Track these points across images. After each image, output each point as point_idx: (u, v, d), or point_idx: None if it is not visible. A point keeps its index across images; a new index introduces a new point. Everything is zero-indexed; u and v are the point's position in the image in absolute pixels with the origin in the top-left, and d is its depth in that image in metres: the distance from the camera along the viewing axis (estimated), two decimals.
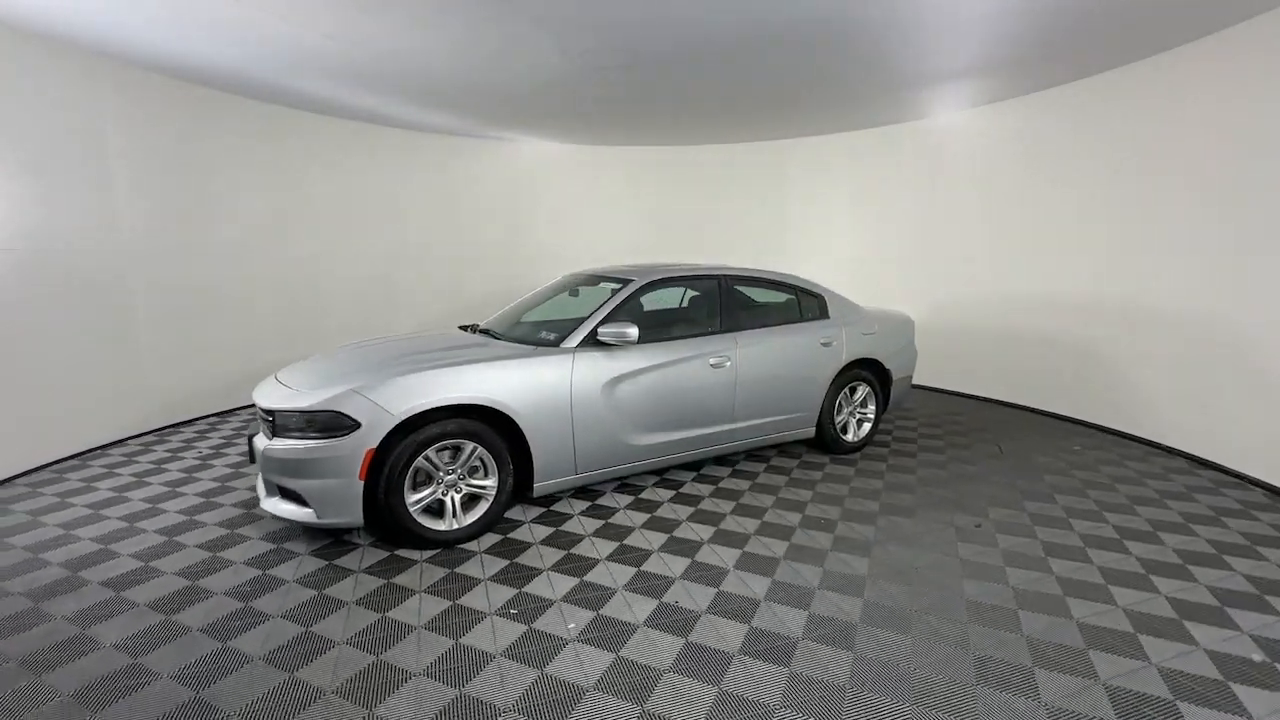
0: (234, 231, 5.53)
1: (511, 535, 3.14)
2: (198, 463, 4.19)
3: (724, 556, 2.91)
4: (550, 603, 2.53)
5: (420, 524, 2.91)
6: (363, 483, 2.75)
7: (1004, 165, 5.68)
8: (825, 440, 4.34)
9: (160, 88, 4.88)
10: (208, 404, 5.49)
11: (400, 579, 2.71)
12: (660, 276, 3.84)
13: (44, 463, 4.15)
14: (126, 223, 4.70)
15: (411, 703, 1.96)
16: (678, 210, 7.91)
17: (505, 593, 2.60)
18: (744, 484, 3.82)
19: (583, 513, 3.41)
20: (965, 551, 2.95)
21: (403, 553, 2.94)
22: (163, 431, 4.97)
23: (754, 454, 4.37)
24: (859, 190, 7.01)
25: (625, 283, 3.72)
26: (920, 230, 6.49)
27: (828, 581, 2.68)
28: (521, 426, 3.08)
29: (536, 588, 2.64)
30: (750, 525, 3.25)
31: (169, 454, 4.38)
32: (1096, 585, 2.64)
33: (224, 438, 4.79)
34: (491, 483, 3.08)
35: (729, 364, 3.79)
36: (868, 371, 4.47)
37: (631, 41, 4.11)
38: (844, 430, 4.43)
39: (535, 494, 3.25)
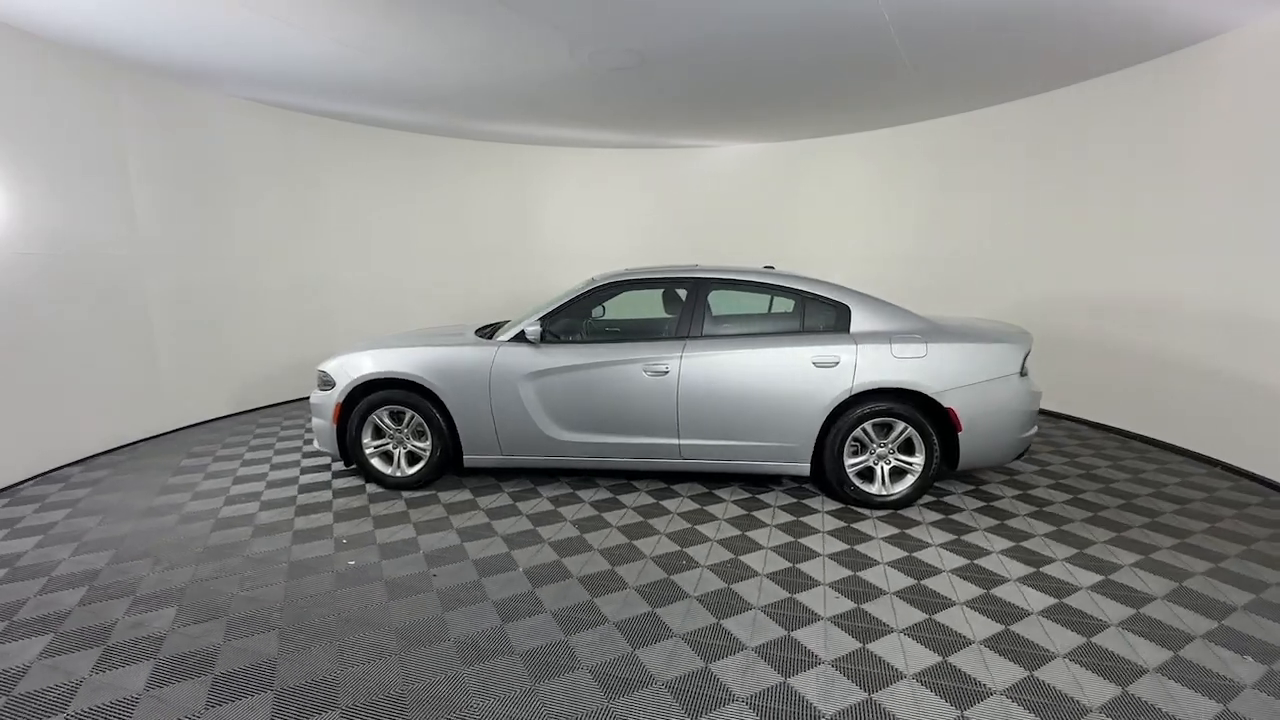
0: (249, 234, 5.61)
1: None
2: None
3: None
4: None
5: (375, 467, 3.78)
6: (334, 426, 3.76)
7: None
8: (831, 487, 3.49)
9: (176, 92, 4.94)
10: (223, 406, 5.56)
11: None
12: (622, 279, 3.78)
13: (55, 465, 4.17)
14: (142, 226, 4.72)
15: None
16: (697, 212, 7.88)
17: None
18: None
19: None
20: None
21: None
22: (176, 434, 5.02)
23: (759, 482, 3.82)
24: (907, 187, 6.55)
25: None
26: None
27: None
28: (445, 402, 3.63)
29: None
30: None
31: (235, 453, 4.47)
32: None
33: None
34: (425, 445, 3.73)
35: (670, 374, 3.49)
36: (907, 406, 3.36)
37: (640, 42, 4.09)
38: (867, 477, 3.46)
39: (465, 465, 3.75)
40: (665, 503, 3.57)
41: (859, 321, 3.51)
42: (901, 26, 3.87)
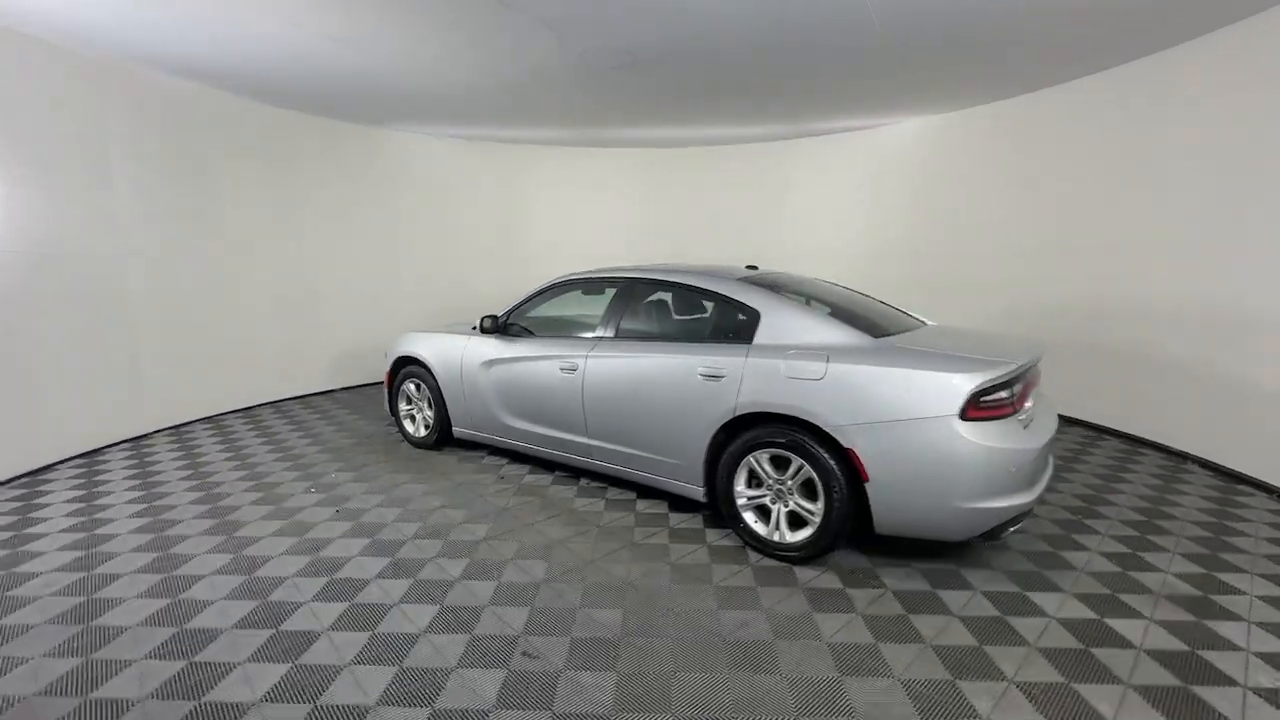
0: (235, 232, 5.47)
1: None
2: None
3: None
4: None
5: (404, 426, 4.68)
6: (386, 389, 4.78)
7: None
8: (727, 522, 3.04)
9: (162, 88, 4.80)
10: (205, 407, 5.40)
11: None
12: (572, 278, 3.87)
13: (46, 463, 4.12)
14: (127, 223, 4.61)
15: None
16: (678, 210, 7.90)
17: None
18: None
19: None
20: None
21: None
22: (161, 434, 4.90)
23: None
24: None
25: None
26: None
27: None
28: (436, 378, 4.30)
29: None
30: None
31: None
32: None
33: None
34: (432, 414, 4.47)
35: (577, 373, 3.48)
36: (805, 439, 2.71)
37: (631, 40, 4.00)
38: (764, 515, 2.91)
39: (455, 435, 4.36)
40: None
41: (765, 330, 2.95)
42: (887, 22, 3.71)
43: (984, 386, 2.42)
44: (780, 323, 2.94)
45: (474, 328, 4.28)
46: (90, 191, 4.39)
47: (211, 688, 2.03)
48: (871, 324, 3.09)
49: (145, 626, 2.37)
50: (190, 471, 4.08)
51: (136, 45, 4.17)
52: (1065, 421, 5.07)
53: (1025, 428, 2.61)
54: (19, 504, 3.55)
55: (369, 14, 3.65)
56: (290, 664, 2.15)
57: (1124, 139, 4.58)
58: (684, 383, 3.05)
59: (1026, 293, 5.42)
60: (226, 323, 5.48)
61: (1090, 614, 2.42)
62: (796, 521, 2.83)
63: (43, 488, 3.79)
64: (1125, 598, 2.54)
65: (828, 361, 2.67)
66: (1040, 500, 2.79)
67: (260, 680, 2.07)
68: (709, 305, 3.33)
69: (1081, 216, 4.95)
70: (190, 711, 1.93)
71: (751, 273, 3.55)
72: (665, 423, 3.15)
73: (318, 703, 1.96)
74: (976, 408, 2.42)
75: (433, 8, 3.56)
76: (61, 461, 4.24)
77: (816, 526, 2.72)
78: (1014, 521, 2.56)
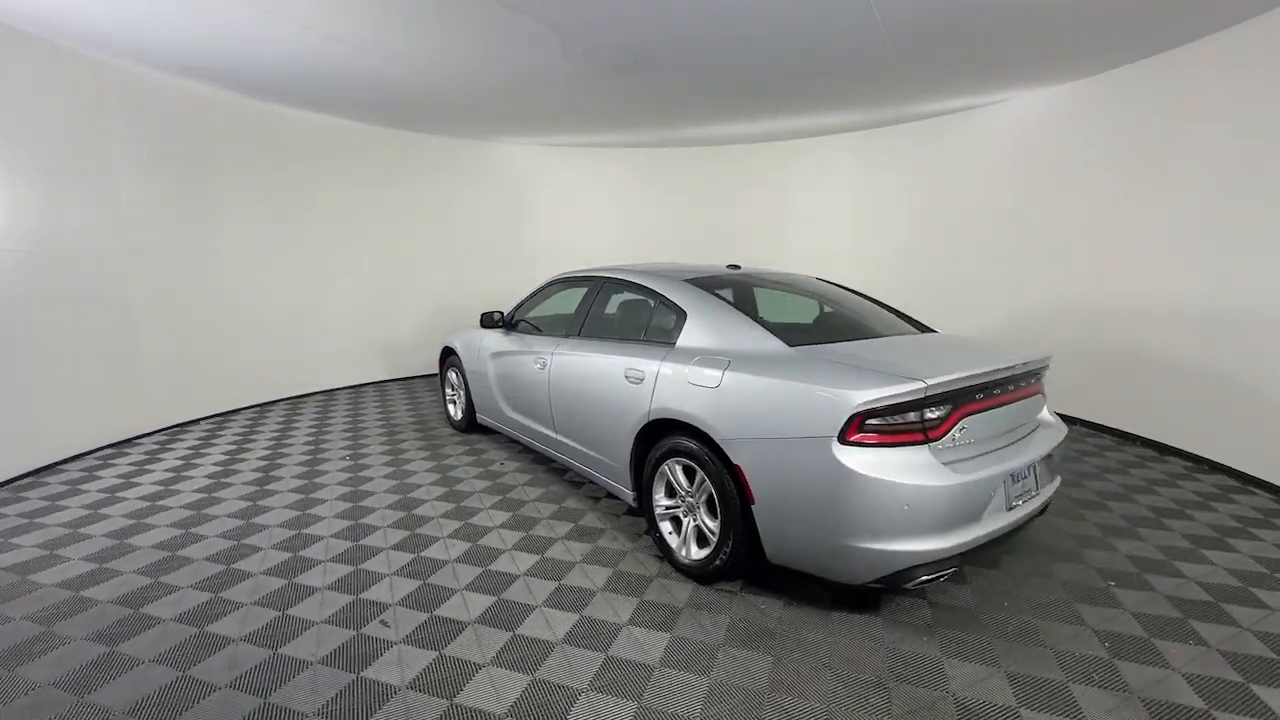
0: (236, 232, 5.48)
1: None
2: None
3: None
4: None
5: (448, 409, 5.16)
6: (439, 375, 5.33)
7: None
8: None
9: (164, 88, 4.81)
10: (206, 406, 5.41)
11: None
12: (565, 277, 3.99)
13: (44, 464, 4.10)
14: (129, 223, 4.62)
15: None
16: (679, 211, 7.86)
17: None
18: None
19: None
20: None
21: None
22: (163, 433, 4.93)
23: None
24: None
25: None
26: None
27: None
28: (464, 368, 4.69)
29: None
30: None
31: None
32: None
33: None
34: (464, 399, 4.89)
35: (545, 368, 3.60)
36: (706, 450, 2.54)
37: (633, 39, 3.97)
38: (677, 525, 2.79)
39: (478, 422, 4.72)
40: None
41: (688, 333, 2.82)
42: (890, 21, 3.64)
43: (871, 406, 2.08)
44: (701, 325, 2.79)
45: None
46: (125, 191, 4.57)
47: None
48: (835, 329, 2.87)
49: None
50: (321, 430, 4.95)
51: (138, 45, 4.14)
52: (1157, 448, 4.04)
53: (977, 456, 2.21)
54: (186, 450, 4.62)
55: (368, 17, 3.66)
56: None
57: (1133, 139, 4.46)
58: (615, 384, 3.03)
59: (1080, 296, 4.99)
60: (227, 318, 5.50)
61: None
62: (703, 538, 2.67)
63: (212, 436, 4.88)
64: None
65: (725, 369, 2.48)
66: (968, 551, 2.17)
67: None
68: (652, 305, 3.25)
69: (1094, 217, 4.80)
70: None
71: (705, 271, 3.37)
72: (600, 422, 3.16)
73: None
74: (862, 430, 2.09)
75: (435, 9, 3.58)
76: (203, 418, 5.40)
77: (713, 546, 2.55)
78: (930, 571, 2.16)
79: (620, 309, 3.65)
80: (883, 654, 2.18)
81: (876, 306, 3.38)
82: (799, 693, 1.99)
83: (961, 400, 2.21)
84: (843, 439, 2.09)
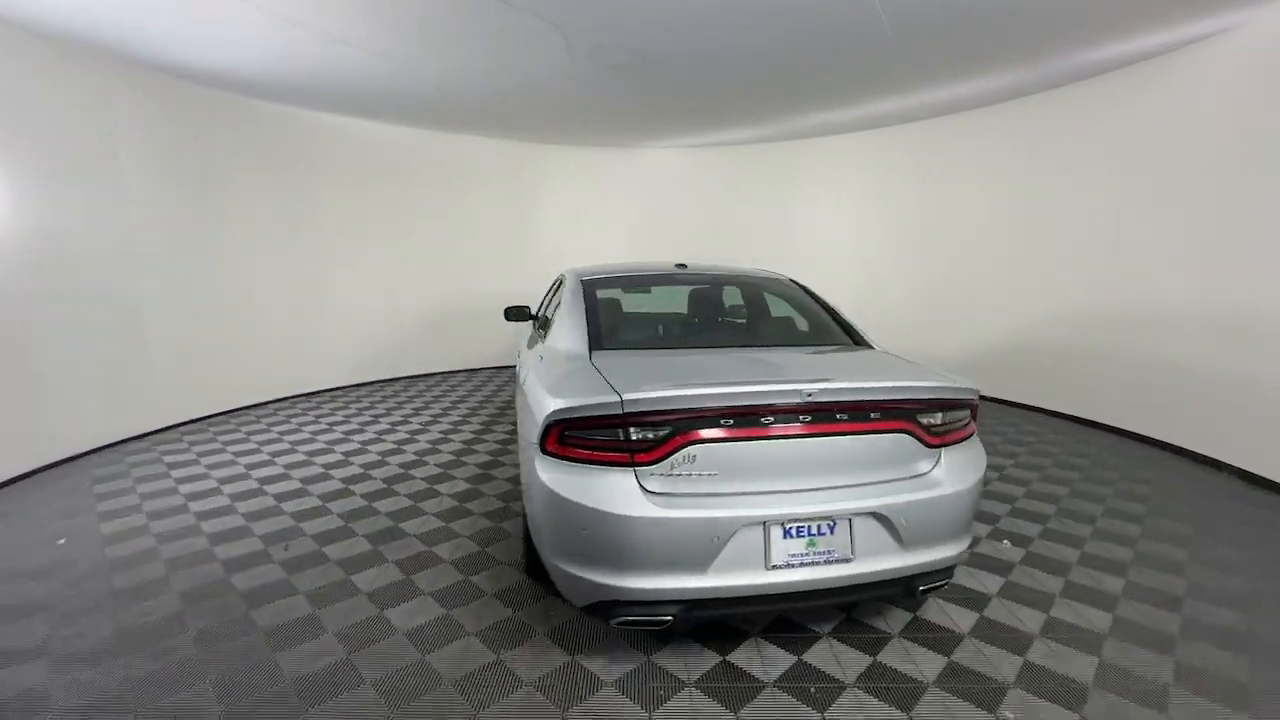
0: (244, 233, 5.43)
1: None
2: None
3: None
4: None
5: None
6: None
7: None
8: None
9: (173, 90, 4.79)
10: (212, 404, 5.35)
11: None
12: (559, 277, 4.10)
13: (48, 462, 4.03)
14: (138, 224, 4.59)
15: None
16: (690, 211, 7.78)
17: None
18: None
19: None
20: None
21: None
22: (169, 431, 4.86)
23: None
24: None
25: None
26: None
27: None
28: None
29: None
30: None
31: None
32: None
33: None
34: None
35: (524, 365, 3.79)
36: None
37: (639, 40, 3.93)
38: None
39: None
40: None
41: (551, 334, 2.87)
42: (895, 20, 3.63)
43: (562, 417, 1.89)
44: (555, 326, 2.84)
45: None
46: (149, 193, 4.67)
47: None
48: (701, 336, 2.94)
49: None
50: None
51: (141, 45, 4.13)
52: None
53: (720, 495, 1.88)
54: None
55: (378, 19, 3.67)
56: None
57: (1136, 140, 4.48)
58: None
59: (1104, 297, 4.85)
60: (234, 318, 5.47)
61: None
62: None
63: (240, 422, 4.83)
64: None
65: (524, 374, 2.58)
66: (692, 603, 1.85)
67: None
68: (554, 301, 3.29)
69: (1098, 218, 4.80)
70: None
71: (633, 270, 3.34)
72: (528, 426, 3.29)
73: None
74: (562, 443, 1.92)
75: (437, 11, 3.57)
76: (224, 410, 5.38)
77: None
78: (630, 612, 1.89)
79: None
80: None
81: (820, 316, 3.00)
82: None
83: (691, 425, 1.86)
84: (543, 448, 1.95)
